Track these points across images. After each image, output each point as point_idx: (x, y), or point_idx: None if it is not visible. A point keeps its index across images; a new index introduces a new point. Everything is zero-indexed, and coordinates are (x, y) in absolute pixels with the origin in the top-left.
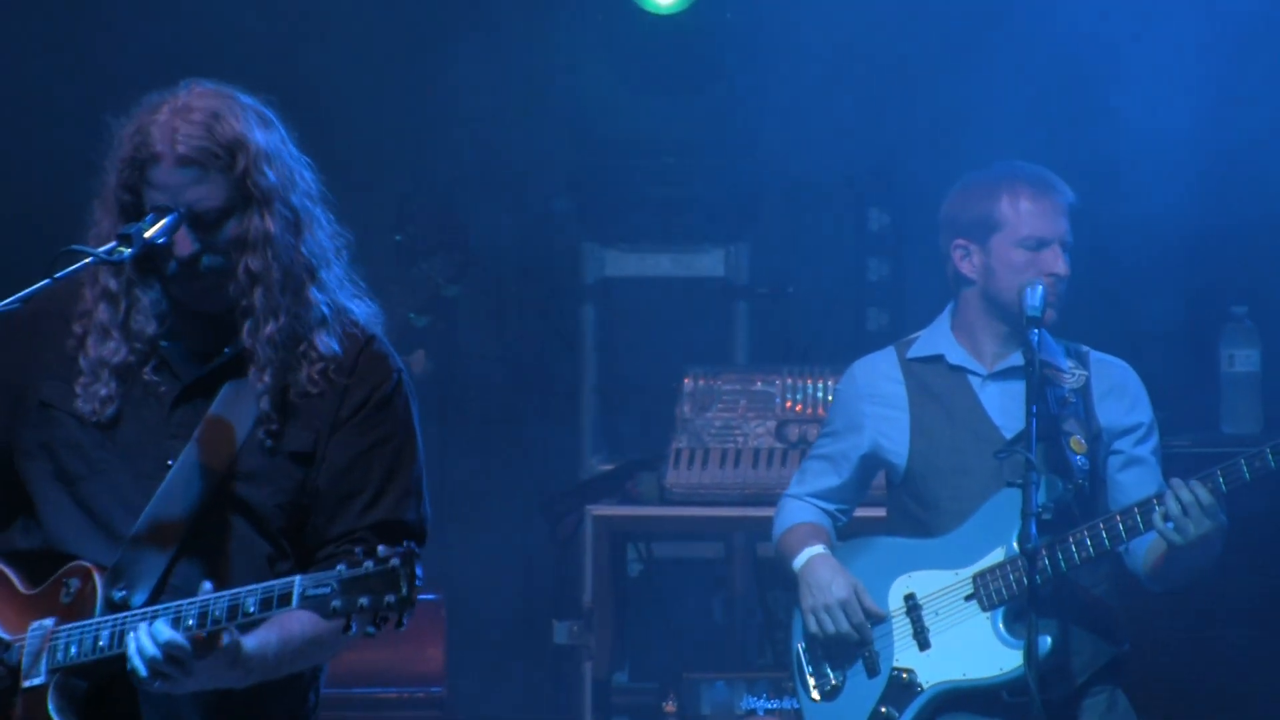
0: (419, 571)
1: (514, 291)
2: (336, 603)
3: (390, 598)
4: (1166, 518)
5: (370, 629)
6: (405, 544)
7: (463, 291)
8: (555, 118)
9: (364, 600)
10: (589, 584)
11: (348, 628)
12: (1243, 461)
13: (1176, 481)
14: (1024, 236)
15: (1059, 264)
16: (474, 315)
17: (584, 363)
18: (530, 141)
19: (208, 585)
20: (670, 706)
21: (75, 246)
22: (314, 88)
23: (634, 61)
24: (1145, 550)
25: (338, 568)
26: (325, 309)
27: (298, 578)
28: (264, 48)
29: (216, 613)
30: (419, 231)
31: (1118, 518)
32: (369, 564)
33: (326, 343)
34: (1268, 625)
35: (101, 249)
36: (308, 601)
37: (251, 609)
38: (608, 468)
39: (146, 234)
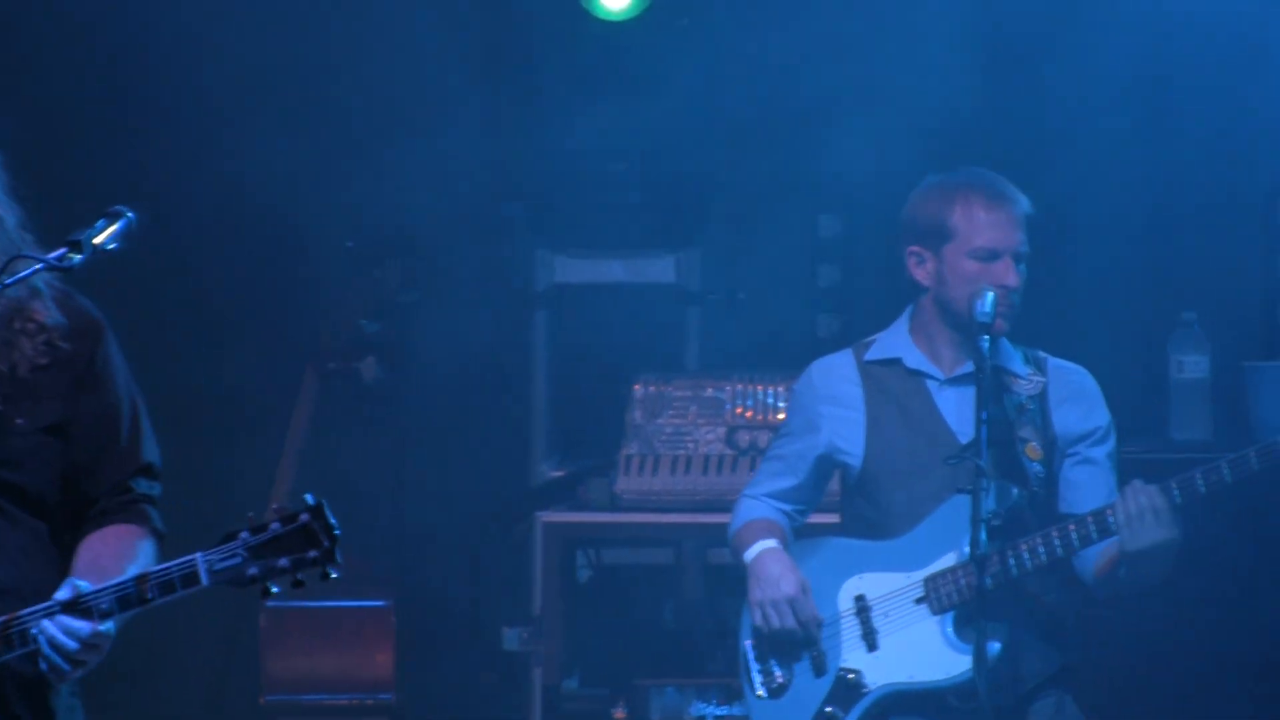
0: (333, 520)
1: (465, 297)
2: (253, 570)
3: (313, 553)
4: (1120, 519)
5: (275, 588)
6: (309, 500)
7: (414, 298)
8: (507, 123)
9: (283, 561)
10: (539, 590)
11: (266, 592)
12: (1198, 475)
13: (1135, 483)
14: (976, 247)
15: (1010, 276)
16: (425, 321)
17: (535, 369)
18: (482, 146)
19: (83, 585)
20: (620, 713)
21: (25, 253)
22: (265, 93)
23: (586, 67)
24: (1095, 555)
25: (241, 536)
26: (38, 281)
27: (198, 555)
28: (215, 51)
29: (104, 606)
30: (370, 238)
31: (1071, 526)
32: (275, 525)
33: (44, 312)
34: (1217, 632)
35: (52, 255)
36: (219, 575)
37: (151, 595)
38: (558, 474)
39: (96, 240)
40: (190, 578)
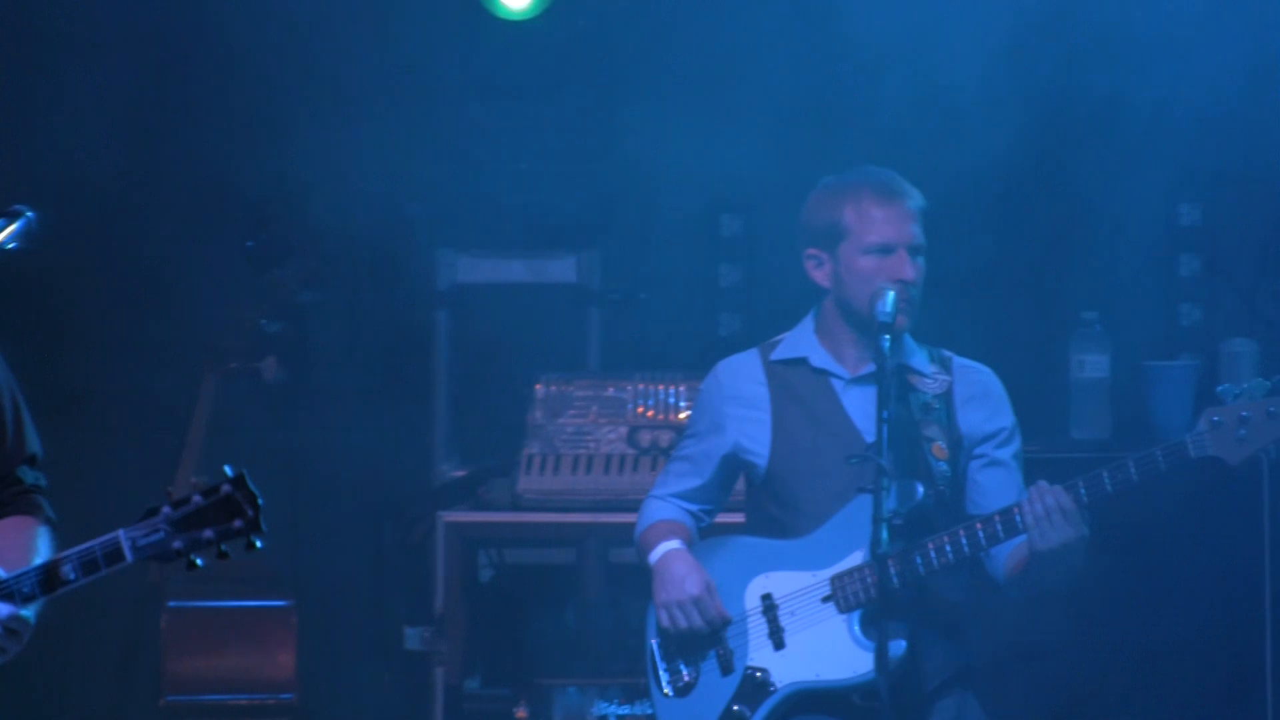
0: (255, 489)
1: (366, 297)
2: (177, 543)
3: (237, 523)
4: (1028, 519)
5: (200, 561)
6: (228, 471)
7: (315, 297)
8: (408, 122)
9: (207, 533)
10: (440, 590)
11: (191, 565)
12: (1105, 474)
13: (1041, 485)
14: (870, 244)
15: (906, 269)
16: (326, 321)
17: (436, 369)
18: (383, 146)
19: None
20: (522, 713)
21: None
22: (165, 93)
23: (487, 66)
24: (1006, 557)
25: (163, 510)
26: None
27: (120, 532)
28: (114, 48)
29: (25, 589)
30: (271, 237)
31: (978, 525)
32: (197, 498)
33: None
34: (1122, 631)
35: None
36: (143, 551)
37: (71, 577)
38: (460, 474)
39: None
40: (114, 555)
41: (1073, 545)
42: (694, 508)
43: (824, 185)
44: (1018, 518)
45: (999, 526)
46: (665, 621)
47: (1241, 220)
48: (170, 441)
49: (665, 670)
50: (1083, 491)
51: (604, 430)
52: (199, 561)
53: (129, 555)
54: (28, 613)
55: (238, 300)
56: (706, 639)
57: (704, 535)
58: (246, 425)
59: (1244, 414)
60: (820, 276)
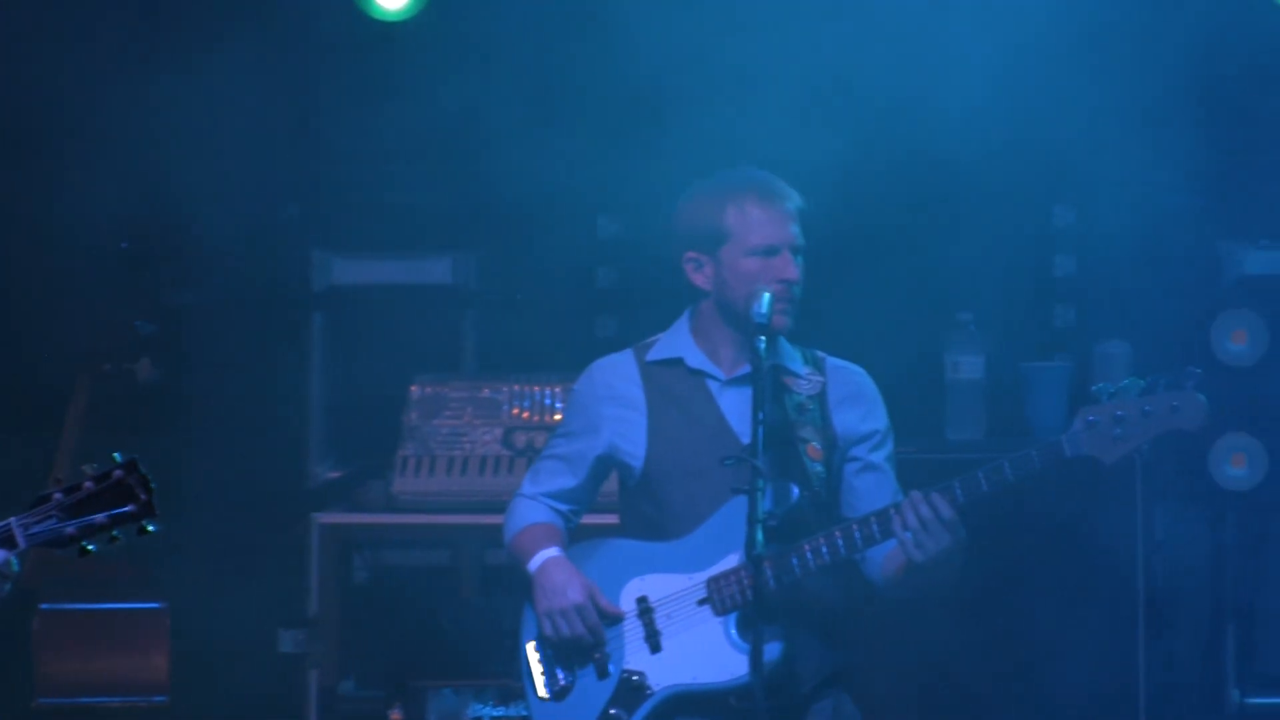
0: (146, 473)
1: (241, 299)
2: (70, 529)
3: (130, 507)
4: (906, 529)
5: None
6: (118, 458)
7: (189, 299)
8: (283, 123)
9: (100, 517)
10: (315, 592)
11: (84, 552)
12: (980, 474)
13: (915, 495)
14: (753, 245)
15: (790, 269)
16: (200, 322)
17: (311, 370)
18: (258, 147)
19: None
20: (397, 715)
21: None
22: (39, 94)
23: (362, 66)
24: (883, 559)
25: (54, 497)
26: None
27: (12, 520)
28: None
29: None
30: (145, 239)
31: (854, 526)
32: (89, 484)
33: None
34: (997, 631)
35: None
36: (36, 537)
37: None
38: (335, 475)
39: None
40: (7, 540)
41: (951, 550)
42: (564, 508)
43: (700, 188)
44: (894, 519)
45: (875, 528)
46: (549, 630)
47: (1115, 222)
48: (45, 443)
49: (542, 673)
50: (959, 493)
51: (479, 431)
52: (91, 548)
53: (22, 542)
54: None
55: (112, 302)
56: (589, 645)
57: (577, 538)
58: (120, 426)
59: (1119, 413)
60: (700, 280)
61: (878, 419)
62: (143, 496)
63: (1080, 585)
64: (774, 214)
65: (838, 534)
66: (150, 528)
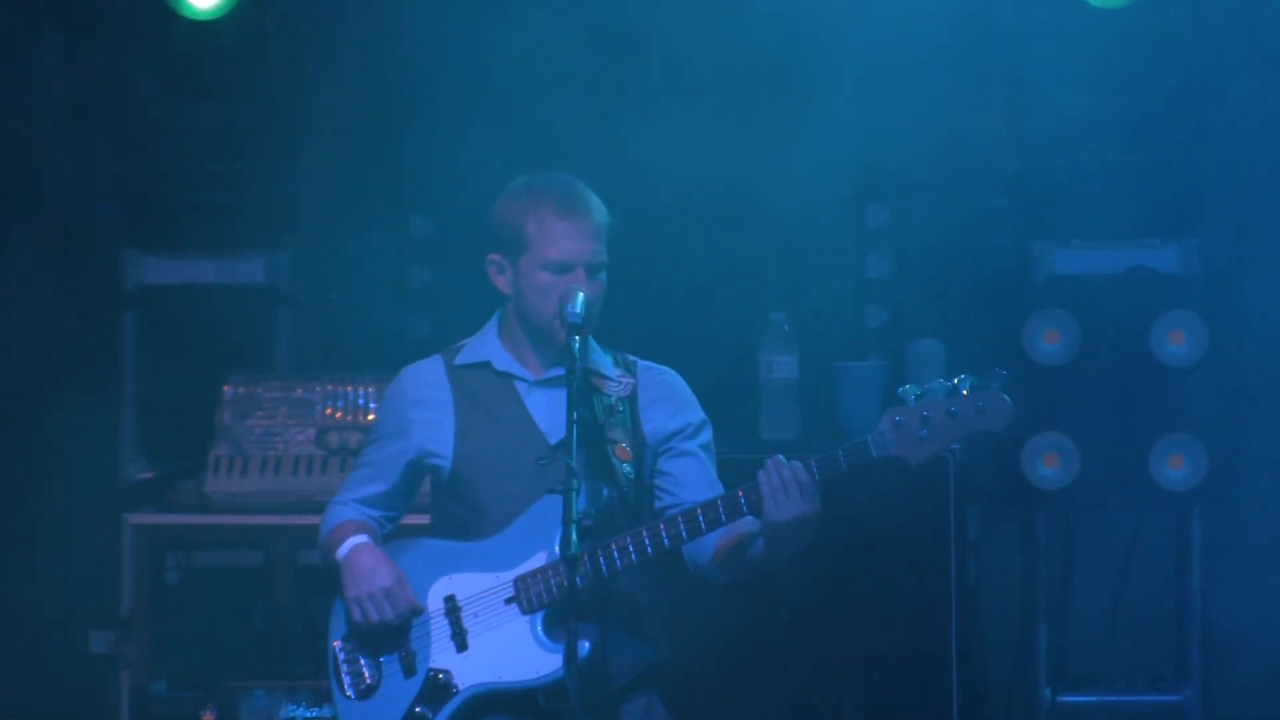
0: None
1: (52, 298)
2: None
3: None
4: (764, 490)
5: None
6: None
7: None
8: (96, 122)
9: None
10: (127, 593)
11: None
12: (840, 453)
13: (777, 459)
14: (549, 260)
15: (583, 289)
16: (9, 322)
17: (123, 370)
18: (71, 146)
19: None
20: (209, 716)
21: None
22: None
23: (174, 65)
24: (714, 540)
25: None
26: None
27: None
28: None
29: None
30: None
31: (699, 510)
32: None
33: None
34: (812, 630)
35: None
36: None
37: None
38: (147, 475)
39: None
40: None
41: (807, 519)
42: (376, 513)
43: (512, 190)
44: (743, 499)
45: (721, 509)
46: (357, 615)
47: (929, 221)
48: None
49: (348, 672)
50: (815, 470)
51: (293, 432)
52: None
53: None
54: None
55: None
56: (392, 637)
57: (389, 538)
58: None
59: (925, 414)
60: (502, 283)
61: (689, 414)
62: None
63: (894, 585)
64: (573, 229)
65: (645, 534)
66: None
